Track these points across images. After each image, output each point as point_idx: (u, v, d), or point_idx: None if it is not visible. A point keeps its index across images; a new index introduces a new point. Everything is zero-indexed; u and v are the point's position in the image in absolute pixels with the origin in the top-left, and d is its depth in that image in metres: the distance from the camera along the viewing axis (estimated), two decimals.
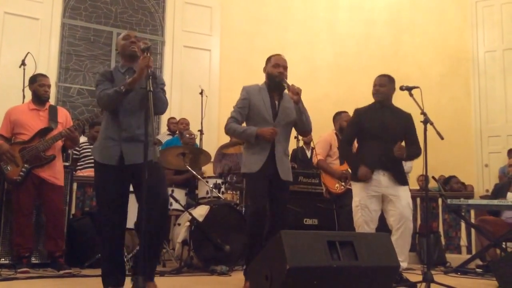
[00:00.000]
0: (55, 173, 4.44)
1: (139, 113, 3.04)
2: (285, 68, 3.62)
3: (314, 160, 5.31)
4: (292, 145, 6.98)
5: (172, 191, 5.05)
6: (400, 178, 4.04)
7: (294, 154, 7.49)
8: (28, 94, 4.92)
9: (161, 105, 3.08)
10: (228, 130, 3.67)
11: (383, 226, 4.12)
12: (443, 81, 9.13)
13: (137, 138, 3.03)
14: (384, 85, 4.10)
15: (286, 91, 3.60)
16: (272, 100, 3.63)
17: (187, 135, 6.05)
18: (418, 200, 6.52)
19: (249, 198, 3.71)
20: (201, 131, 6.90)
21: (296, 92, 3.44)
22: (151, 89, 2.80)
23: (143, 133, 2.97)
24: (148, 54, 2.94)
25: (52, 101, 5.03)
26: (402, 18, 9.71)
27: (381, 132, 4.00)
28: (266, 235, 3.50)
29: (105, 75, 3.15)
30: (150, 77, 2.84)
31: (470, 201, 5.54)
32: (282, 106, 3.64)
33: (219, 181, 5.17)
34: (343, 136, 4.47)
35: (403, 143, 4.06)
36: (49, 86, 4.57)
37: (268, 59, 3.69)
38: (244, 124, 3.69)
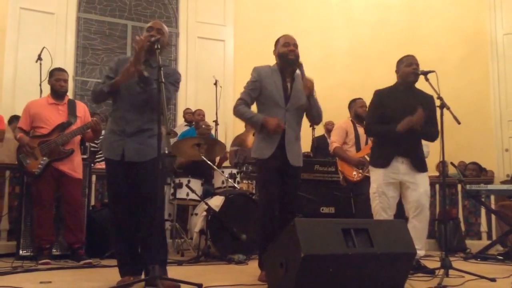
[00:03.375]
0: (74, 166, 4.50)
1: (144, 108, 3.04)
2: (296, 45, 3.52)
3: (331, 148, 5.27)
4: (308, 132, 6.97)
5: (189, 181, 5.09)
6: (419, 165, 3.94)
7: (313, 143, 7.43)
8: (46, 89, 4.99)
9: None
10: (236, 113, 3.60)
11: (401, 213, 4.08)
12: (461, 65, 8.96)
13: (142, 133, 3.05)
14: (418, 65, 3.96)
15: (298, 71, 3.51)
16: (284, 83, 3.54)
17: (204, 126, 6.08)
18: (437, 186, 6.45)
19: (261, 185, 3.69)
20: (216, 122, 6.92)
21: (308, 87, 3.38)
22: (163, 80, 2.80)
23: (149, 127, 3.02)
24: (158, 46, 2.93)
25: (69, 95, 5.08)
26: (418, 1, 9.54)
27: (401, 116, 3.83)
28: (279, 221, 3.49)
29: (112, 68, 3.15)
30: (161, 68, 2.84)
31: (490, 187, 5.46)
32: (294, 90, 3.54)
33: (235, 171, 5.19)
34: (367, 119, 4.26)
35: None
36: (65, 80, 4.61)
37: (277, 41, 3.61)
38: (254, 106, 3.63)
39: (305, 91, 3.42)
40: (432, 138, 3.98)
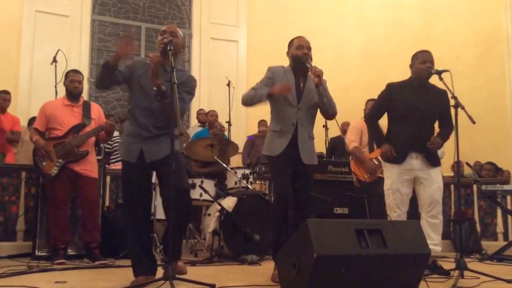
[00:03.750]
0: (88, 166, 4.54)
1: (158, 114, 3.08)
2: (309, 48, 3.54)
3: (349, 147, 5.22)
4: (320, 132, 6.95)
5: (202, 182, 5.11)
6: (433, 160, 3.92)
7: (329, 143, 7.36)
8: (61, 91, 5.05)
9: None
10: (242, 98, 3.56)
11: (414, 210, 4.04)
12: (476, 64, 8.87)
13: (158, 138, 3.12)
14: (433, 62, 3.92)
15: (310, 73, 3.50)
16: (297, 82, 3.56)
17: (218, 127, 6.12)
18: (452, 187, 6.38)
19: (273, 181, 3.70)
20: (229, 123, 6.93)
21: (317, 75, 3.36)
22: (175, 82, 2.82)
23: (163, 133, 3.09)
24: (171, 48, 2.95)
25: (84, 96, 5.14)
26: (432, 0, 9.45)
27: (414, 112, 3.84)
28: (292, 221, 3.48)
29: (128, 65, 3.19)
30: (174, 69, 2.86)
31: (506, 187, 5.41)
32: (306, 88, 3.56)
33: (247, 171, 5.19)
34: (369, 110, 4.30)
35: (435, 134, 3.95)
36: (79, 81, 4.66)
37: (291, 42, 3.63)
38: (267, 107, 3.62)
39: (314, 80, 3.41)
40: (448, 137, 3.97)
